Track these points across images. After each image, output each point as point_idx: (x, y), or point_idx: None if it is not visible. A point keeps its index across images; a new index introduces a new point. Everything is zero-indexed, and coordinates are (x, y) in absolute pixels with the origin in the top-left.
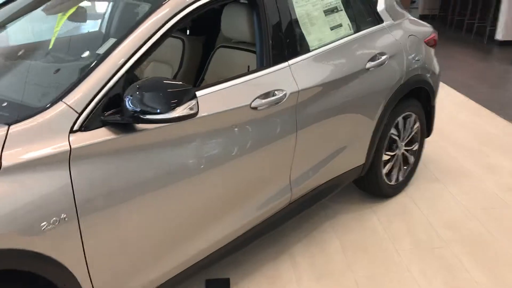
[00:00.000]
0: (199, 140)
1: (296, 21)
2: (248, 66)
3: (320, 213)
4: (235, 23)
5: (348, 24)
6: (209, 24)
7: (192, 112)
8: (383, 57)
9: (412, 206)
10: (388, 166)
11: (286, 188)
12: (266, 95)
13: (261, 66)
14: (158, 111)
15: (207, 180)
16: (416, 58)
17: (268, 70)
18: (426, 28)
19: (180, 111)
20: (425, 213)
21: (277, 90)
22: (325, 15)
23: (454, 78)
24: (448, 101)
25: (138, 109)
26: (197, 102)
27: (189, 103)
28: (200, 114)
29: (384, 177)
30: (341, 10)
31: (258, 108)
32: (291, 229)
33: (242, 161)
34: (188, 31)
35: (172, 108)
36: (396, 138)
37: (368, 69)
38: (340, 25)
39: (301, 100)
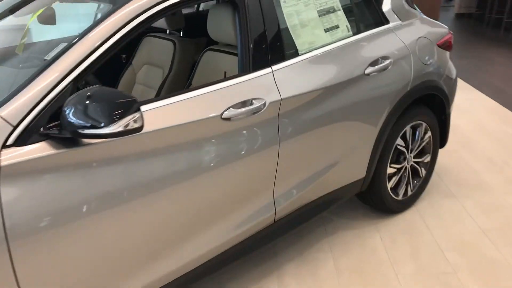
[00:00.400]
0: (157, 155)
1: (284, 22)
2: (225, 72)
3: (318, 229)
4: (218, 24)
5: (347, 25)
6: None
7: (136, 126)
8: (386, 62)
9: (420, 224)
10: (394, 180)
11: (269, 206)
12: (242, 104)
13: (241, 72)
14: (100, 125)
15: (168, 198)
16: (427, 63)
17: (247, 76)
18: (440, 29)
19: (121, 125)
20: (434, 232)
21: (255, 99)
22: (319, 16)
23: (486, 82)
24: (476, 107)
25: (76, 122)
26: (142, 115)
27: (131, 116)
28: (158, 127)
29: (390, 192)
30: (339, 10)
31: (232, 119)
32: (283, 246)
33: (212, 177)
34: (181, 33)
35: (113, 121)
36: (404, 149)
37: (367, 74)
38: (337, 27)
39: (285, 110)
